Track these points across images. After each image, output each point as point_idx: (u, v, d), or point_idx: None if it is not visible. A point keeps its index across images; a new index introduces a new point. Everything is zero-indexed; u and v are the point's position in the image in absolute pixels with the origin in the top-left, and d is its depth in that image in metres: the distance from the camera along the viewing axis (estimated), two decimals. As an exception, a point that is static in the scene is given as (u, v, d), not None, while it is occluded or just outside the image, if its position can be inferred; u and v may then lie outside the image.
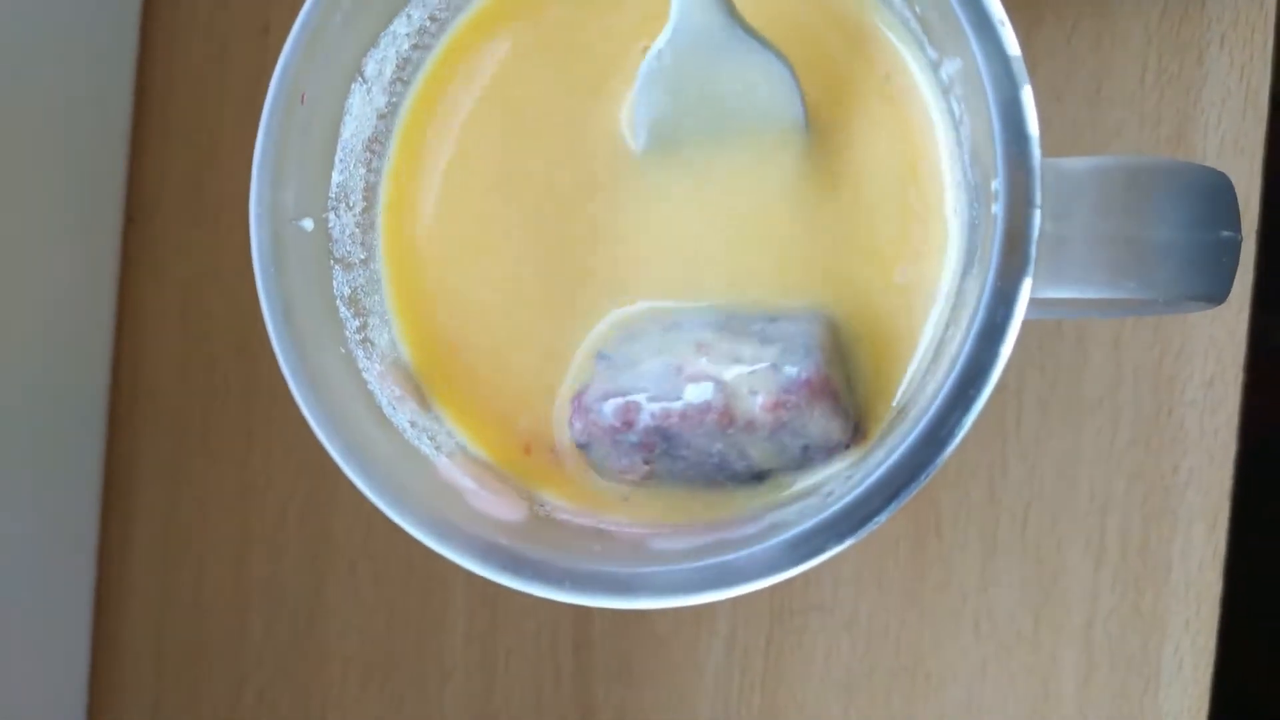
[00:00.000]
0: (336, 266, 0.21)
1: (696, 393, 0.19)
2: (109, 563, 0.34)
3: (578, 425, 0.20)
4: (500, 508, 0.20)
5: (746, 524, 0.19)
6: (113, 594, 0.34)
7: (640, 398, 0.19)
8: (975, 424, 0.30)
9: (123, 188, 0.34)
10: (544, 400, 0.21)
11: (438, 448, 0.21)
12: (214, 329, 0.34)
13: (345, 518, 0.33)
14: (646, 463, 0.19)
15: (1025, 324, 0.19)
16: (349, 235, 0.21)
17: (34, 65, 0.30)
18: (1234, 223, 0.19)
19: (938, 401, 0.17)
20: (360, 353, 0.21)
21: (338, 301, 0.21)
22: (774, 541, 0.18)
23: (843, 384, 0.19)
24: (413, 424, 0.21)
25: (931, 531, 0.31)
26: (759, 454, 0.19)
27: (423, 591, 0.33)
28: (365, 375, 0.21)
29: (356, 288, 0.21)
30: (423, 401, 0.21)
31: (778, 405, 0.19)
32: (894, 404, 0.20)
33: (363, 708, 0.33)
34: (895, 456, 0.17)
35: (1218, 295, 0.20)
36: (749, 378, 0.19)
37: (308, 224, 0.20)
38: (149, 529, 0.34)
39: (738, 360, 0.19)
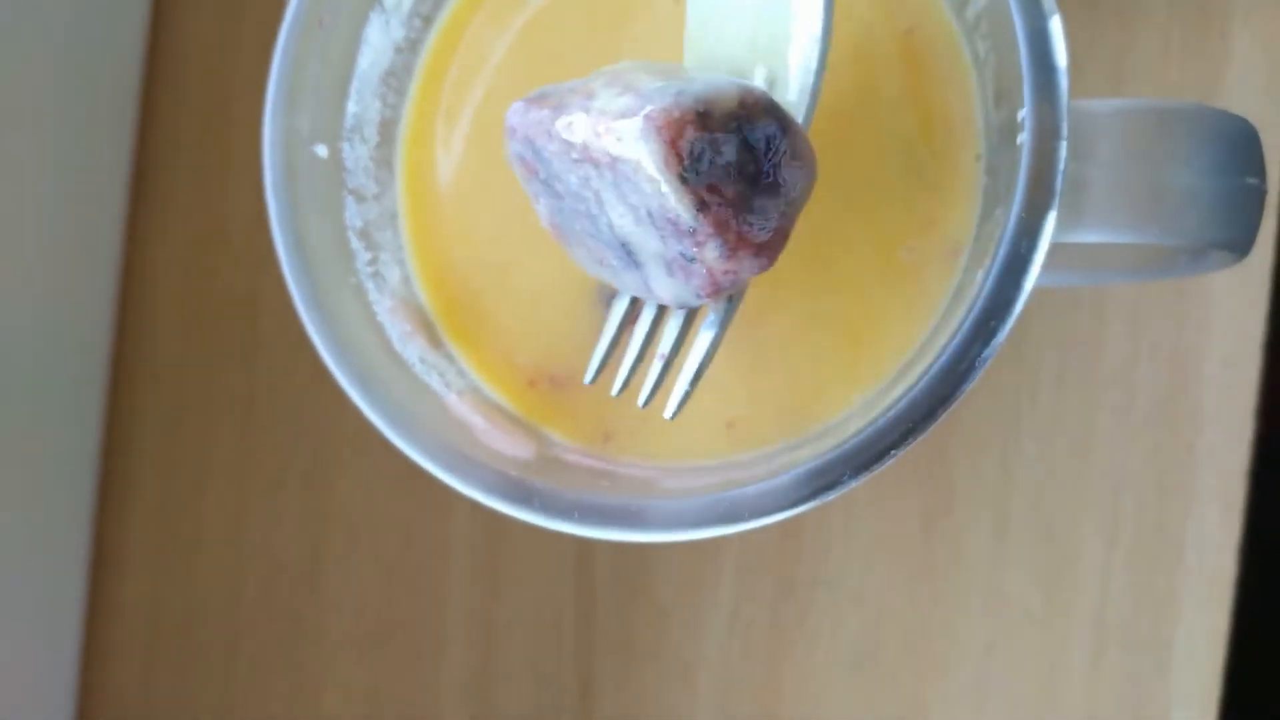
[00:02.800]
0: (350, 197, 0.21)
1: (570, 117, 0.16)
2: (106, 525, 0.34)
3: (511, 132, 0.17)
4: (509, 445, 0.20)
5: (758, 463, 0.19)
6: (108, 556, 0.34)
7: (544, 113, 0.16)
8: (989, 398, 0.30)
9: (131, 145, 0.34)
10: (553, 334, 0.21)
11: (447, 385, 0.21)
12: (218, 290, 0.33)
13: (345, 485, 0.33)
14: (537, 196, 0.17)
15: (1042, 297, 0.19)
16: (363, 168, 0.21)
17: (43, 19, 0.30)
18: (1259, 170, 0.19)
19: (959, 334, 0.17)
20: (371, 286, 0.20)
21: (349, 233, 0.20)
22: (786, 476, 0.17)
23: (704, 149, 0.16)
24: (422, 360, 0.21)
25: (942, 507, 0.30)
26: (615, 213, 0.17)
27: (421, 561, 0.32)
28: (376, 309, 0.20)
29: (369, 221, 0.21)
30: (433, 338, 0.21)
31: (603, 132, 0.16)
32: (912, 349, 0.20)
33: (358, 678, 0.33)
34: (915, 390, 0.17)
35: (1241, 243, 0.19)
36: (609, 101, 0.16)
37: (321, 150, 0.20)
38: (147, 491, 0.34)
39: (629, 90, 0.16)
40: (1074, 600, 0.29)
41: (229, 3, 0.33)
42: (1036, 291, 0.18)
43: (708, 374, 0.20)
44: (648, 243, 0.17)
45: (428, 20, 0.21)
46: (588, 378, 0.19)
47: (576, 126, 0.16)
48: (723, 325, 0.18)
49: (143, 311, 0.34)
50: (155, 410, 0.34)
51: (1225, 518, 0.29)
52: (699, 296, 0.17)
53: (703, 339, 0.18)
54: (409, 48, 0.21)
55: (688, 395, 0.18)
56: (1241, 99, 0.29)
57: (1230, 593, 0.29)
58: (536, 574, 0.32)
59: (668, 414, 0.18)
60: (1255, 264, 0.29)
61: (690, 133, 0.16)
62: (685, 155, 0.16)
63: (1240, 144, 0.19)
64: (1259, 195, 0.19)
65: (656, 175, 0.16)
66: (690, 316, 0.19)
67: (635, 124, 0.16)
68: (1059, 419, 0.30)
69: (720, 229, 0.16)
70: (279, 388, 0.33)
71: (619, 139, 0.16)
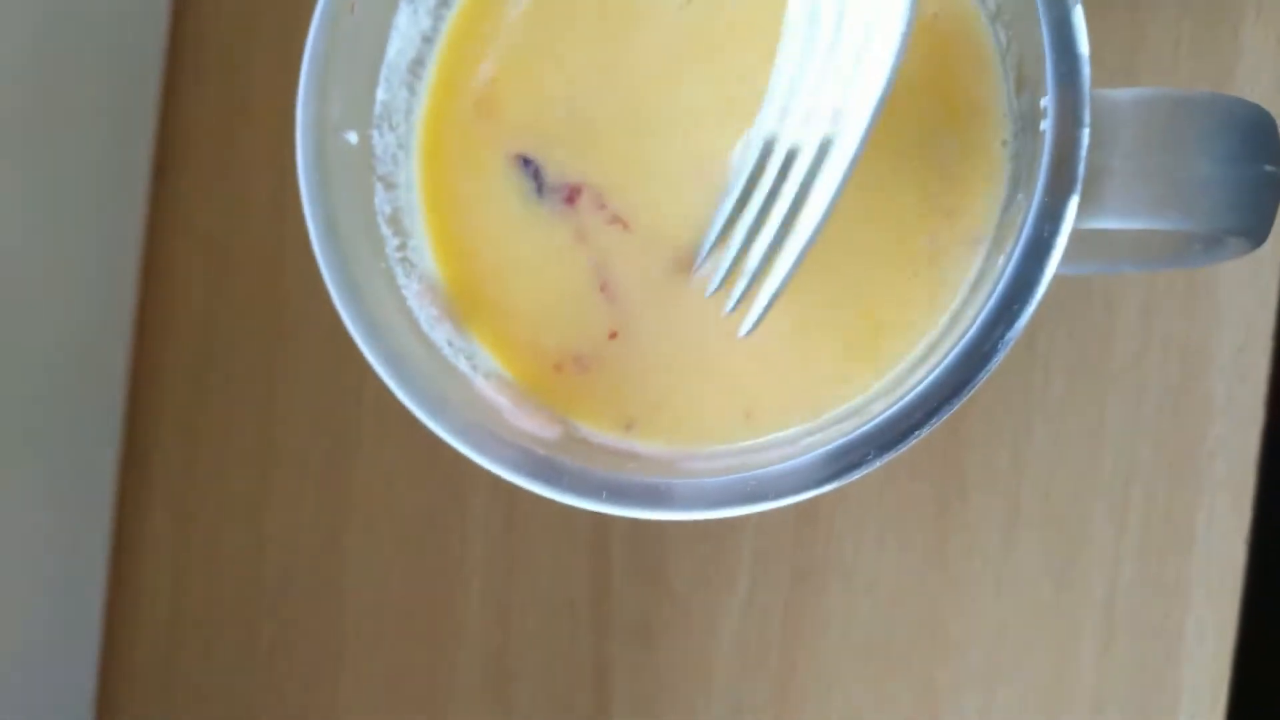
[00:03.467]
0: (379, 184, 0.21)
1: None
2: (127, 513, 0.34)
3: None
4: (536, 426, 0.20)
5: (775, 446, 0.19)
6: (130, 545, 0.34)
7: None
8: (1000, 388, 0.30)
9: (152, 139, 0.34)
10: (572, 316, 0.21)
11: (474, 368, 0.21)
12: (238, 283, 0.34)
13: (363, 473, 0.33)
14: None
15: (1054, 288, 0.19)
16: (391, 155, 0.21)
17: (66, 15, 0.30)
18: (1276, 158, 0.19)
19: (982, 316, 0.17)
20: (400, 270, 0.21)
21: (379, 219, 0.21)
22: (811, 455, 0.18)
23: None
24: (450, 344, 0.21)
25: (955, 496, 0.30)
26: None
27: (438, 547, 0.33)
28: (405, 293, 0.21)
29: (398, 207, 0.21)
30: (458, 324, 0.21)
31: None
32: (932, 334, 0.20)
33: (376, 663, 0.33)
34: (938, 370, 0.17)
35: (1257, 230, 0.20)
36: None
37: (352, 137, 0.20)
38: (168, 480, 0.34)
39: None
40: (1084, 588, 0.30)
41: (248, -3, 0.34)
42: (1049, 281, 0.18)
43: (724, 364, 0.21)
44: None
45: (448, 6, 0.22)
46: (698, 262, 0.20)
47: None
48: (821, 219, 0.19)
49: (163, 305, 0.34)
50: (176, 401, 0.34)
51: (1235, 507, 0.29)
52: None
53: (788, 252, 0.19)
54: (433, 37, 0.22)
55: (766, 310, 0.19)
56: (1253, 93, 0.30)
57: (1240, 581, 0.29)
58: (553, 560, 0.32)
59: (743, 330, 0.19)
60: (1266, 255, 0.29)
61: None
62: None
63: (1258, 132, 0.19)
64: (1276, 182, 0.19)
65: None
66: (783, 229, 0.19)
67: None
68: (1070, 408, 0.30)
69: None
70: (298, 378, 0.33)
71: None
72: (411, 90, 0.22)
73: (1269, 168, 0.19)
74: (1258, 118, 0.19)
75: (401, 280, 0.21)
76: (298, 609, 0.33)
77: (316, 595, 0.33)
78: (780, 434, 0.20)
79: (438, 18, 0.22)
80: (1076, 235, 0.18)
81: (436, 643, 0.33)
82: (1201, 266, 0.27)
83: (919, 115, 0.20)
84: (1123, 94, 0.19)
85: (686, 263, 0.21)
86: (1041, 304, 0.18)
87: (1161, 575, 0.29)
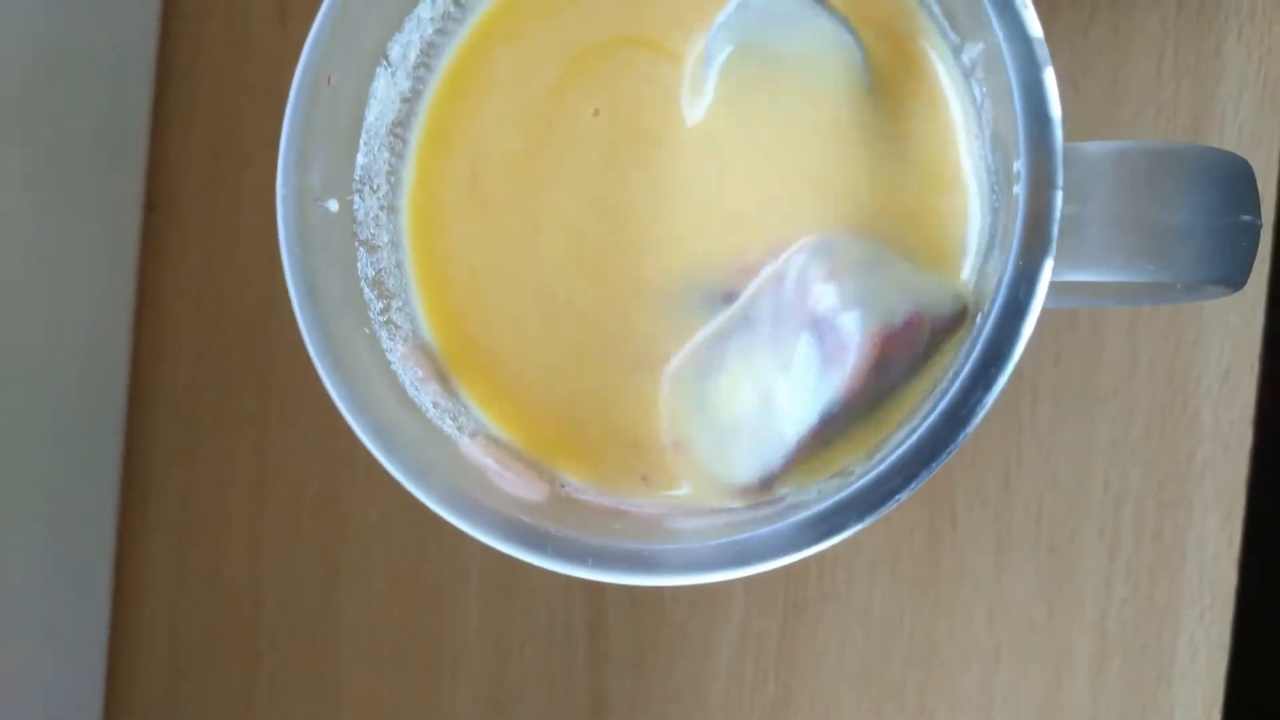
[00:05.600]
0: (361, 249, 0.21)
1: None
2: (127, 545, 0.34)
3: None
4: (522, 488, 0.20)
5: (763, 505, 0.19)
6: (130, 576, 0.34)
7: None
8: (990, 413, 0.31)
9: (143, 176, 0.34)
10: (570, 383, 0.21)
11: (460, 428, 0.21)
12: (231, 316, 0.34)
13: (360, 504, 0.33)
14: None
15: (1041, 312, 0.19)
16: (372, 218, 0.21)
17: (54, 53, 0.30)
18: (1253, 207, 0.19)
19: (959, 380, 0.17)
20: (384, 334, 0.21)
21: (362, 283, 0.21)
22: (793, 520, 0.18)
23: None
24: (435, 405, 0.21)
25: (946, 521, 0.31)
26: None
27: (436, 578, 0.33)
28: (389, 357, 0.21)
29: (381, 270, 0.21)
30: (445, 384, 0.21)
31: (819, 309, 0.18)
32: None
33: (375, 693, 0.33)
34: (916, 435, 0.17)
35: (1236, 280, 0.20)
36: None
37: (333, 205, 0.20)
38: (166, 513, 0.34)
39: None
40: (1077, 610, 0.30)
41: (237, 28, 0.34)
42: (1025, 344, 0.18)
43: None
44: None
45: (430, 69, 0.22)
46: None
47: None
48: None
49: (158, 336, 0.34)
50: (173, 432, 0.34)
51: (1225, 527, 0.29)
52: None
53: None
54: (415, 97, 0.22)
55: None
56: (1236, 114, 0.30)
57: (1231, 602, 0.29)
58: (549, 591, 0.32)
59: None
60: (1251, 277, 0.29)
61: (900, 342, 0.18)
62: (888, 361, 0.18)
63: (1234, 182, 0.19)
64: (1253, 232, 0.19)
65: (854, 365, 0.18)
66: None
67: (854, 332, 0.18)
68: (1059, 432, 0.30)
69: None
70: (293, 409, 0.33)
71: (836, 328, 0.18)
72: (393, 151, 0.22)
73: (1245, 217, 0.19)
74: (1235, 168, 0.19)
75: (386, 345, 0.21)
76: (296, 639, 0.33)
77: (314, 625, 0.33)
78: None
79: (417, 79, 0.22)
80: (1057, 282, 0.18)
81: (434, 672, 0.33)
82: (1183, 303, 0.27)
83: (908, 147, 0.20)
84: (1099, 147, 0.19)
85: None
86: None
87: (1153, 596, 0.30)
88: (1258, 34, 0.30)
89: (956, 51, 0.20)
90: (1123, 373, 0.30)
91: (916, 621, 0.31)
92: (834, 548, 0.31)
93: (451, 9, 0.22)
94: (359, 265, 0.21)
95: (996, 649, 0.30)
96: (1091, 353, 0.30)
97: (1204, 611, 0.29)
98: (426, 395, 0.21)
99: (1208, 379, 0.29)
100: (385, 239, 0.21)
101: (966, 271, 0.20)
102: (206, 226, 0.34)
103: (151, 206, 0.34)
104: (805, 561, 0.31)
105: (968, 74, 0.20)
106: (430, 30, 0.21)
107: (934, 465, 0.17)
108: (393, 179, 0.22)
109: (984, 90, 0.19)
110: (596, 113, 0.21)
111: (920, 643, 0.31)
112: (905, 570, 0.31)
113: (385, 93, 0.21)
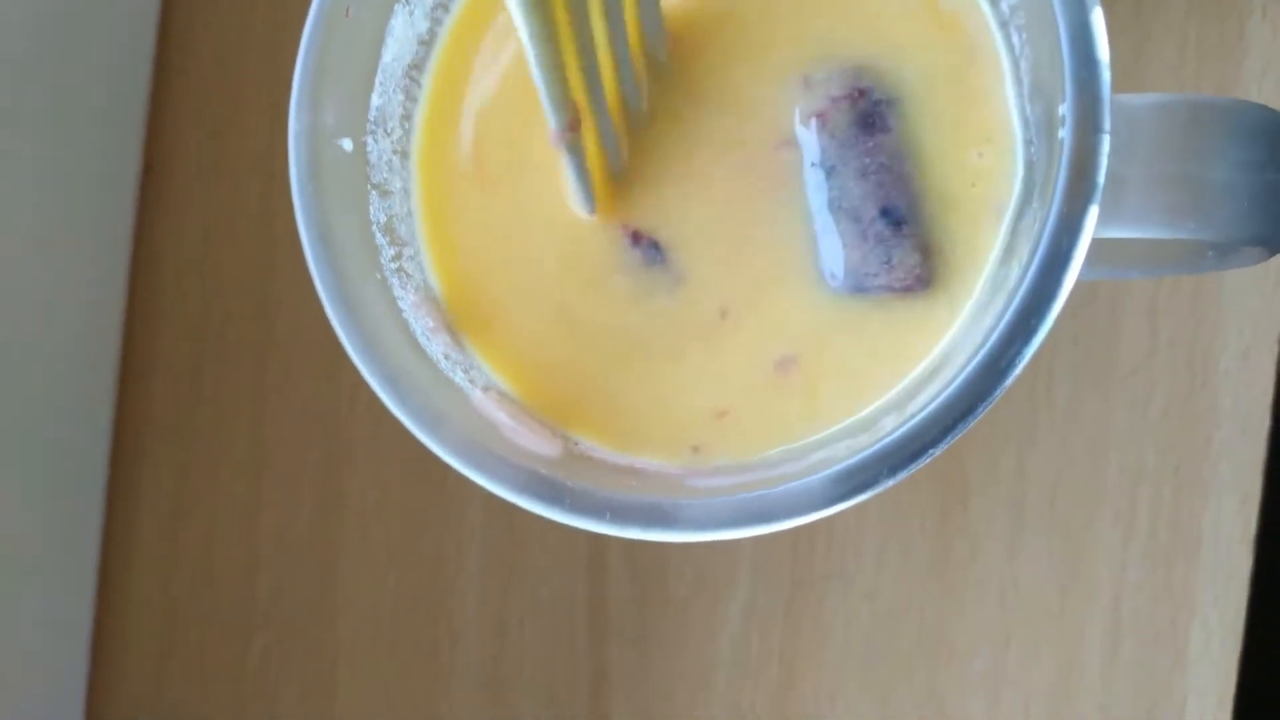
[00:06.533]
0: (374, 192, 0.20)
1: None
2: (117, 518, 0.33)
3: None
4: (535, 443, 0.19)
5: (791, 460, 0.18)
6: (120, 550, 0.34)
7: None
8: (1005, 391, 0.30)
9: (140, 137, 0.33)
10: (578, 338, 0.20)
11: (471, 381, 0.20)
12: (229, 284, 0.33)
13: (357, 480, 0.33)
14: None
15: None
16: (386, 162, 0.21)
17: (54, 11, 0.30)
18: (1296, 165, 0.19)
19: (998, 330, 0.16)
20: (395, 281, 0.20)
21: (374, 228, 0.20)
22: (821, 475, 0.17)
23: None
24: (446, 357, 0.20)
25: (958, 502, 0.30)
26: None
27: (435, 554, 0.32)
28: (400, 304, 0.20)
29: (393, 215, 0.21)
30: (455, 338, 0.21)
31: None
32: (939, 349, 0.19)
33: (372, 670, 0.33)
34: (953, 386, 0.17)
35: (1275, 240, 0.19)
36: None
37: (347, 144, 0.20)
38: (159, 485, 0.33)
39: None
40: (1090, 593, 0.29)
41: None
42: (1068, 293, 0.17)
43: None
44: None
45: (447, 10, 0.21)
46: None
47: None
48: None
49: (153, 309, 0.33)
50: (166, 407, 0.33)
51: (1241, 511, 0.29)
52: None
53: None
54: (431, 39, 0.21)
55: None
56: (1259, 92, 0.29)
57: (1246, 586, 0.29)
58: (550, 567, 0.32)
59: None
60: (1273, 258, 0.29)
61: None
62: None
63: (1278, 139, 0.19)
64: (1294, 191, 0.19)
65: None
66: None
67: None
68: (1075, 413, 0.29)
69: None
70: (290, 383, 0.33)
71: None
72: (408, 94, 0.21)
73: (1288, 175, 0.19)
74: (1277, 124, 0.19)
75: (397, 291, 0.20)
76: (291, 618, 0.33)
77: (310, 604, 0.33)
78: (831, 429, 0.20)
79: (434, 20, 0.21)
80: (1091, 242, 0.18)
81: (433, 651, 0.32)
82: (1213, 272, 0.27)
83: (929, 123, 0.20)
84: (1140, 99, 0.18)
85: None
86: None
87: (1168, 580, 0.29)
88: (1283, 12, 0.29)
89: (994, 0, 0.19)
90: (1141, 353, 0.29)
91: (926, 603, 0.30)
92: (842, 526, 0.30)
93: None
94: (371, 209, 0.20)
95: (1007, 633, 0.30)
96: (1109, 333, 0.29)
97: (1218, 596, 0.29)
98: (437, 346, 0.20)
99: (1227, 360, 0.29)
100: (398, 185, 0.21)
101: (1001, 228, 0.19)
102: (205, 191, 0.33)
103: (149, 168, 0.33)
104: (812, 539, 0.31)
105: (1005, 23, 0.19)
106: (450, -31, 0.21)
107: (970, 418, 0.16)
108: (406, 123, 0.21)
109: (1023, 38, 0.19)
110: None
111: (929, 625, 0.30)
112: (915, 551, 0.30)
113: (403, 31, 0.20)
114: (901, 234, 0.19)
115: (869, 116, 0.19)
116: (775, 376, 0.19)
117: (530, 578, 0.32)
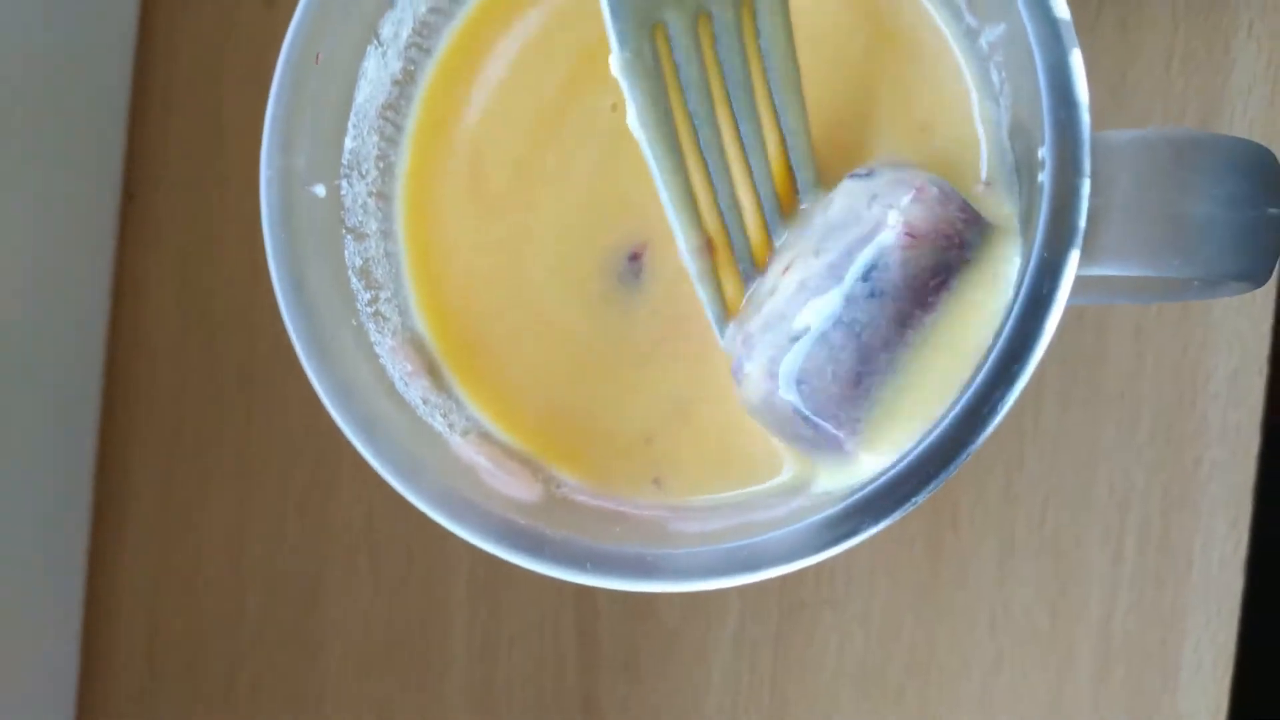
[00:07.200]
0: (348, 236, 0.20)
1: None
2: (103, 542, 0.33)
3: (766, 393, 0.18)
4: (516, 488, 0.19)
5: (775, 506, 0.18)
6: (106, 573, 0.33)
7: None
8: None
9: (121, 163, 0.33)
10: (568, 373, 0.20)
11: (450, 426, 0.20)
12: (212, 307, 0.33)
13: (345, 502, 0.32)
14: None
15: None
16: (361, 205, 0.20)
17: (33, 37, 0.29)
18: (1279, 199, 0.19)
19: (980, 377, 0.16)
20: (371, 326, 0.20)
21: (349, 273, 0.20)
22: (806, 523, 0.17)
23: None
24: (425, 401, 0.20)
25: (948, 526, 0.30)
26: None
27: (424, 578, 0.32)
28: (377, 350, 0.20)
29: (369, 259, 0.20)
30: (436, 378, 0.20)
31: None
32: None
33: (361, 696, 0.32)
34: (935, 434, 0.16)
35: (1260, 275, 0.19)
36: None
37: (320, 190, 0.19)
38: (145, 508, 0.33)
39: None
40: (1080, 617, 0.29)
41: (221, 12, 0.33)
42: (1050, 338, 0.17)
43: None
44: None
45: (426, 52, 0.21)
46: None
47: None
48: None
49: (136, 328, 0.33)
50: (151, 427, 0.33)
51: (1232, 533, 0.29)
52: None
53: None
54: (407, 79, 0.21)
55: None
56: (1245, 111, 0.29)
57: (1237, 608, 0.29)
58: (539, 593, 0.31)
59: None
60: (1260, 276, 0.29)
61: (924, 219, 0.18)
62: None
63: (1260, 173, 0.18)
64: (1278, 225, 0.19)
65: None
66: None
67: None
68: (1063, 435, 0.29)
69: None
70: (276, 404, 0.32)
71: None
72: (383, 135, 0.21)
73: (1272, 210, 0.18)
74: (1260, 158, 0.19)
75: (374, 337, 0.20)
76: (279, 644, 0.32)
77: (298, 630, 0.32)
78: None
79: (409, 60, 0.21)
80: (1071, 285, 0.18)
81: (422, 677, 0.32)
82: (1198, 300, 0.26)
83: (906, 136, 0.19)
84: (1120, 135, 0.18)
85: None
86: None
87: (1159, 602, 0.29)
88: (1267, 29, 0.29)
89: (973, 36, 0.19)
90: (1129, 374, 0.29)
91: (917, 627, 0.30)
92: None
93: (445, -12, 0.21)
94: (346, 254, 0.20)
95: (998, 655, 0.30)
96: (1097, 354, 0.29)
97: (1209, 618, 0.29)
98: (415, 391, 0.20)
99: (1215, 381, 0.29)
100: (374, 227, 0.20)
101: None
102: (186, 215, 0.33)
103: (130, 195, 0.33)
104: (803, 565, 0.30)
105: (985, 59, 0.19)
106: (424, 8, 0.21)
107: (953, 466, 0.16)
108: (382, 165, 0.21)
109: (1003, 76, 0.18)
110: (614, 108, 0.20)
111: (920, 649, 0.30)
112: (905, 575, 0.30)
113: (375, 73, 0.20)
114: (860, 394, 0.18)
115: (947, 268, 0.18)
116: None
117: (519, 602, 0.32)
